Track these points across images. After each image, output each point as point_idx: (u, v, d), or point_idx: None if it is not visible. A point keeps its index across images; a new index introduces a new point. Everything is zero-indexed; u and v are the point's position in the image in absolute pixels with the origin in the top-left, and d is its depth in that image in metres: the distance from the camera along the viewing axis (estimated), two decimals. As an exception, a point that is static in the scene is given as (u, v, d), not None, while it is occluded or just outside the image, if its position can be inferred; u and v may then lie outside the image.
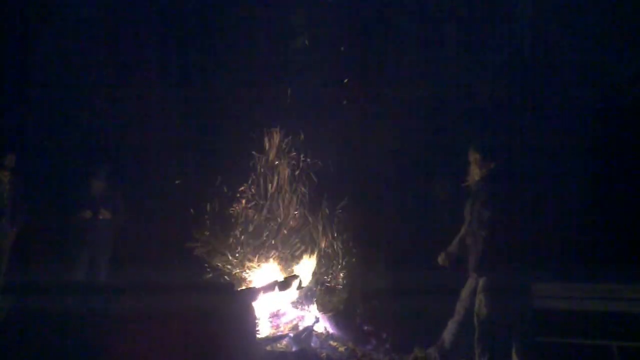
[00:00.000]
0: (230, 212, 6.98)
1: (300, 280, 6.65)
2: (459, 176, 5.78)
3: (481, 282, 5.20)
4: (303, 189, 7.14)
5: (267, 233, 7.10)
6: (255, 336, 5.72)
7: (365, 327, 6.52)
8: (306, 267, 6.89)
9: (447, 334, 5.60)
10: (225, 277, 6.87)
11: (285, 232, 7.13)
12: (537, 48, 8.70)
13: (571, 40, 8.40)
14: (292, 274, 6.74)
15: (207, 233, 6.89)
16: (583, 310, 6.00)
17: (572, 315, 6.10)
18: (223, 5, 9.23)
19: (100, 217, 7.81)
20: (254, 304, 5.90)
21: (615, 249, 7.06)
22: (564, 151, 8.12)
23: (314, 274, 6.87)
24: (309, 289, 6.72)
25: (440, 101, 8.73)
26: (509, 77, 8.70)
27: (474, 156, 5.35)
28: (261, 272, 6.86)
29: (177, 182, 8.17)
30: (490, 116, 8.34)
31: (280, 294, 6.43)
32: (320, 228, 7.14)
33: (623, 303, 5.99)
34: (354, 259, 7.07)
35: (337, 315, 6.42)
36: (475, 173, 5.34)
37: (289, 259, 6.98)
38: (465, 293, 5.52)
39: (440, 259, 5.72)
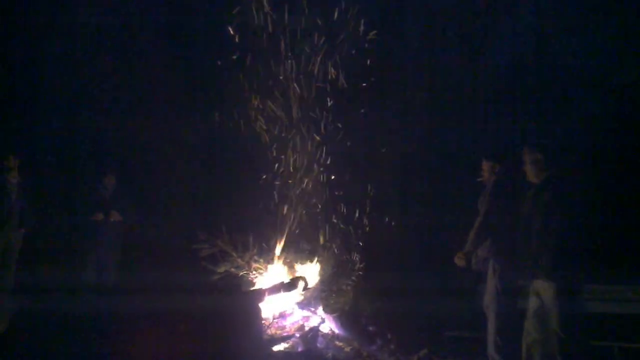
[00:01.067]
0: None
1: (306, 282, 6.71)
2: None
3: (551, 285, 4.91)
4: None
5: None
6: (262, 336, 5.77)
7: (371, 328, 6.56)
8: (312, 269, 6.96)
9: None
10: (232, 278, 6.90)
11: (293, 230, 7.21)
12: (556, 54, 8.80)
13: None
14: (298, 275, 6.80)
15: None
16: (584, 311, 6.04)
17: (574, 316, 6.15)
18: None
19: (111, 220, 7.91)
20: (260, 305, 5.97)
21: (615, 250, 7.09)
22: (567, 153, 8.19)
23: (320, 275, 6.93)
24: (315, 290, 6.77)
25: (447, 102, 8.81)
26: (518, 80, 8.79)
27: (534, 156, 5.13)
28: (267, 274, 6.92)
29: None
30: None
31: (287, 295, 6.50)
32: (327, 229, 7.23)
33: (624, 304, 6.05)
34: (360, 261, 7.10)
35: (342, 315, 6.46)
36: (533, 174, 5.14)
37: (295, 260, 7.03)
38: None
39: (459, 260, 5.62)
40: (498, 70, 9.04)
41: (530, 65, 8.95)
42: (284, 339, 6.08)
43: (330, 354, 5.98)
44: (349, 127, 7.49)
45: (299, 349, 5.97)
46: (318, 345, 6.11)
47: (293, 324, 6.43)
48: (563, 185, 5.03)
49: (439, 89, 8.98)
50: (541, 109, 8.74)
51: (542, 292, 4.93)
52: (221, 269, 6.85)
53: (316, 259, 7.02)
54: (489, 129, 8.91)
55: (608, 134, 7.94)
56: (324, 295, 6.68)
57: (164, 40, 9.88)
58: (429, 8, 9.23)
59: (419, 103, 8.86)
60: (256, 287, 6.76)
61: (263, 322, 6.04)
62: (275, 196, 7.27)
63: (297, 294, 6.64)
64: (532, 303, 5.01)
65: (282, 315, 6.52)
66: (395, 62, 8.60)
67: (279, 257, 6.98)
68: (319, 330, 6.26)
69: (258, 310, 5.82)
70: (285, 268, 6.99)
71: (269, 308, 6.37)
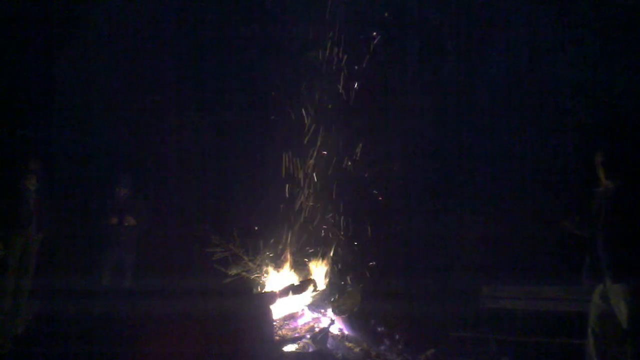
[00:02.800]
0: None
1: (316, 284, 6.83)
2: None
3: (623, 287, 4.76)
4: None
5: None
6: (273, 338, 5.86)
7: (379, 329, 6.67)
8: (321, 271, 7.07)
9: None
10: (244, 281, 7.03)
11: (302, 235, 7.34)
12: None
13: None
14: (308, 278, 6.93)
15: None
16: (584, 312, 6.11)
17: (573, 317, 6.27)
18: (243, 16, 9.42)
19: (126, 224, 8.03)
20: (271, 307, 6.10)
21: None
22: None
23: (329, 277, 7.05)
24: (324, 292, 6.87)
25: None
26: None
27: (606, 160, 4.98)
28: (278, 277, 7.04)
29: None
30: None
31: (297, 297, 6.60)
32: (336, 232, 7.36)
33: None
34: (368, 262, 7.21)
35: (351, 317, 6.53)
36: (605, 177, 4.98)
37: (305, 263, 7.15)
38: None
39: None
40: (496, 80, 9.17)
41: (526, 75, 9.10)
42: (294, 340, 6.16)
43: (340, 355, 6.07)
44: (356, 134, 7.65)
45: (310, 350, 6.04)
46: (328, 346, 6.19)
47: (303, 325, 6.54)
48: (636, 192, 4.90)
49: (439, 97, 9.12)
50: (538, 118, 8.89)
51: (612, 295, 4.82)
52: (233, 272, 6.98)
53: (326, 261, 7.13)
54: (490, 135, 9.04)
55: (602, 142, 8.00)
56: (334, 297, 6.72)
57: (173, 47, 9.99)
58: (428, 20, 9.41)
59: (421, 110, 8.99)
60: (267, 289, 6.88)
61: (274, 323, 6.12)
62: (287, 200, 7.44)
63: (307, 296, 6.74)
64: (605, 306, 4.88)
65: (293, 317, 6.62)
66: (395, 71, 8.76)
67: (289, 260, 7.11)
68: (328, 331, 6.32)
69: (269, 312, 5.92)
70: (295, 271, 7.11)
71: (279, 310, 6.46)
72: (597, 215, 4.95)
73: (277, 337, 6.08)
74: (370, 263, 7.23)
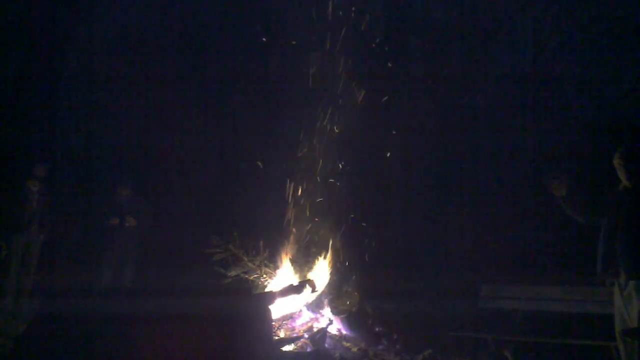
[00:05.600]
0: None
1: (315, 284, 6.83)
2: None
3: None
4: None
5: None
6: (272, 338, 5.85)
7: (377, 329, 6.67)
8: (320, 272, 7.09)
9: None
10: (243, 282, 7.06)
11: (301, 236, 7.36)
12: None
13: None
14: (307, 279, 6.93)
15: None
16: (583, 312, 6.13)
17: (573, 317, 6.25)
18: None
19: (127, 225, 8.09)
20: (270, 307, 6.04)
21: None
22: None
23: (328, 278, 7.05)
24: (323, 292, 6.90)
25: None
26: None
27: (626, 160, 4.89)
28: (277, 277, 7.06)
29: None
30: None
31: (296, 297, 6.59)
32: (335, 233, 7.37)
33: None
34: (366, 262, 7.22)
35: (350, 317, 6.56)
36: (625, 177, 4.91)
37: (303, 263, 7.16)
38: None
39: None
40: (501, 78, 9.19)
41: (530, 75, 9.10)
42: (293, 339, 6.19)
43: (338, 354, 6.08)
44: (358, 134, 7.67)
45: (308, 350, 6.07)
46: (326, 345, 6.21)
47: (302, 325, 6.56)
48: None
49: (443, 96, 9.14)
50: (541, 117, 8.90)
51: (627, 291, 4.77)
52: (232, 273, 7.02)
53: (324, 262, 7.14)
54: (493, 134, 9.05)
55: (605, 140, 8.00)
56: (332, 297, 6.77)
57: (175, 50, 10.06)
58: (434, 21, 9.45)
59: (424, 110, 9.02)
60: (266, 290, 6.90)
61: (273, 323, 6.09)
62: (287, 200, 7.46)
63: (306, 297, 6.75)
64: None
65: (292, 317, 6.65)
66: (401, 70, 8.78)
67: (288, 261, 7.12)
68: (327, 331, 6.36)
69: (268, 312, 5.86)
70: (294, 271, 7.13)
71: (278, 310, 6.47)
72: (618, 213, 4.89)
73: (275, 337, 6.09)
74: (369, 262, 7.21)
